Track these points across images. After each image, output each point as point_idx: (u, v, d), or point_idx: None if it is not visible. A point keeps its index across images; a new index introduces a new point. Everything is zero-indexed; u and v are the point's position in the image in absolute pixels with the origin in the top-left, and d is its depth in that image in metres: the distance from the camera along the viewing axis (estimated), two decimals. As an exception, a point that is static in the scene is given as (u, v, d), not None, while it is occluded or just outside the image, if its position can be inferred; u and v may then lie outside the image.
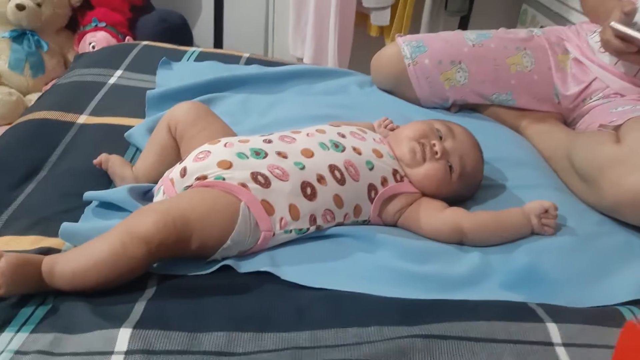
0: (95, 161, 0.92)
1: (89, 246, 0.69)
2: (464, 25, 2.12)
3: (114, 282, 0.69)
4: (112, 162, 0.91)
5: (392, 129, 1.01)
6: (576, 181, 1.00)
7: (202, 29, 2.20)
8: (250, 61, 1.37)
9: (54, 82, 1.86)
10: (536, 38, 1.24)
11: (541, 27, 1.86)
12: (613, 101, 1.13)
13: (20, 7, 1.77)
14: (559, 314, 0.70)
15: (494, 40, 1.23)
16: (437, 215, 0.86)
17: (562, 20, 1.78)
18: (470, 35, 1.25)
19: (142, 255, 0.68)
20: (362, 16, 2.05)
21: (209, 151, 0.80)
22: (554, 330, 0.67)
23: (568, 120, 1.24)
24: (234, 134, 0.92)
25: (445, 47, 1.23)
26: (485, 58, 1.21)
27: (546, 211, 0.86)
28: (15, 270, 0.65)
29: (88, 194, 0.85)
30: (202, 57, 1.35)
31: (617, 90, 1.14)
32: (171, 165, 0.85)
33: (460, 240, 0.85)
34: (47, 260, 0.67)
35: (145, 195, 0.87)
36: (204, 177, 0.77)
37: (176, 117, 0.91)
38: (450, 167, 0.89)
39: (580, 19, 1.51)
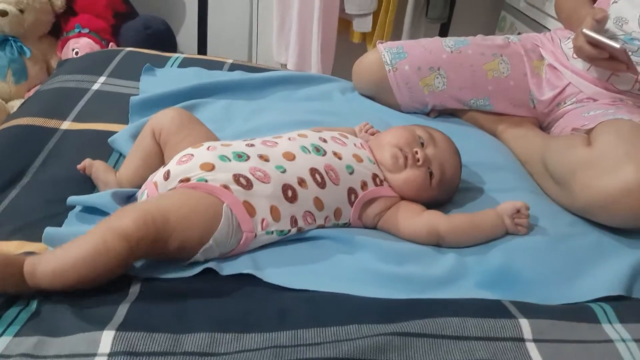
0: (79, 166, 0.92)
1: (71, 244, 0.70)
2: (444, 32, 2.16)
3: (95, 281, 0.69)
4: (95, 167, 0.92)
5: (373, 134, 1.04)
6: (550, 184, 1.03)
7: (186, 35, 2.21)
8: (233, 67, 1.38)
9: (36, 88, 1.86)
10: (512, 45, 1.28)
11: (519, 33, 1.90)
12: (586, 105, 1.16)
13: (3, 14, 1.77)
14: (531, 310, 0.73)
15: (472, 47, 1.26)
16: (414, 219, 0.88)
17: (539, 26, 1.82)
18: (448, 42, 1.28)
19: (123, 251, 0.68)
20: (345, 23, 2.08)
21: (192, 154, 0.82)
22: (525, 326, 0.69)
23: (543, 124, 1.28)
24: (217, 140, 0.94)
25: (424, 53, 1.25)
26: (463, 64, 1.24)
27: (518, 211, 0.88)
28: (1, 267, 0.66)
29: (72, 199, 0.86)
30: (185, 63, 1.36)
31: (590, 95, 1.17)
32: (155, 170, 0.86)
33: (437, 243, 0.87)
34: (29, 261, 0.68)
35: (129, 200, 0.88)
36: (187, 180, 0.79)
37: (160, 124, 0.92)
38: (431, 173, 0.91)
39: (556, 26, 1.55)
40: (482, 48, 1.26)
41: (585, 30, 1.05)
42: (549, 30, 1.70)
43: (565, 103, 1.20)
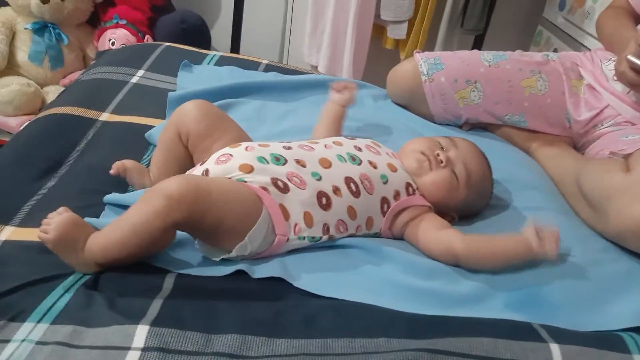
0: (112, 172, 0.90)
1: (123, 214, 0.74)
2: (478, 43, 2.15)
3: (137, 246, 0.72)
4: (129, 171, 0.91)
5: (343, 87, 1.10)
6: (584, 207, 1.01)
7: (220, 31, 2.23)
8: (268, 68, 1.39)
9: (72, 75, 1.90)
10: (551, 62, 1.26)
11: (555, 49, 1.88)
12: (624, 129, 1.15)
13: (44, 1, 1.80)
14: (561, 335, 0.72)
15: (510, 62, 1.25)
16: (432, 233, 0.87)
17: (576, 44, 1.80)
18: (486, 55, 1.27)
19: (163, 208, 0.70)
20: (379, 28, 2.07)
21: (230, 154, 0.83)
22: (555, 351, 0.69)
23: (578, 144, 1.26)
24: (245, 135, 0.94)
25: (461, 66, 1.25)
26: (500, 79, 1.23)
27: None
28: (70, 227, 0.71)
29: (108, 198, 0.86)
30: (222, 61, 1.38)
31: (629, 118, 1.16)
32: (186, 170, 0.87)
33: (453, 262, 0.84)
34: (93, 233, 0.73)
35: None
36: None
37: (187, 127, 0.89)
38: (456, 174, 0.92)
39: (594, 45, 1.53)
40: (520, 64, 1.25)
41: (629, 57, 1.03)
42: (587, 48, 1.69)
43: (602, 125, 1.19)
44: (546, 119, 1.25)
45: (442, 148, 0.94)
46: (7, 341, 0.62)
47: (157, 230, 0.71)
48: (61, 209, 0.74)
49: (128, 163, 0.92)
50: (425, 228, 0.88)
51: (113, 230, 0.73)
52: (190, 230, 0.77)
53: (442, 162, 0.92)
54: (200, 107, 0.91)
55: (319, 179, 0.83)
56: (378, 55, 2.08)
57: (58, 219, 0.71)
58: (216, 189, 0.74)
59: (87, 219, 0.79)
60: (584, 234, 0.98)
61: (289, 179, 0.81)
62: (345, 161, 0.87)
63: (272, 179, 0.80)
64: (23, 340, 0.62)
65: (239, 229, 0.76)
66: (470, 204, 0.95)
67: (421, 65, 1.25)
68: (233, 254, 0.77)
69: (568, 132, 1.25)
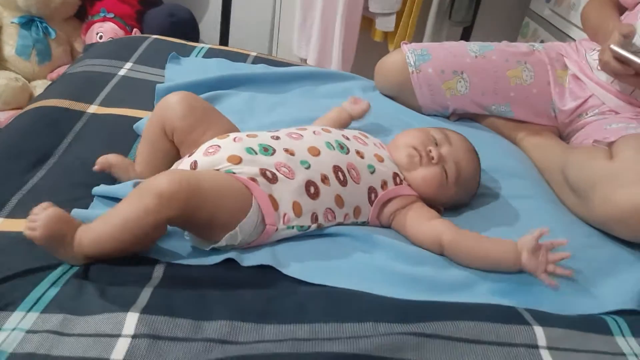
0: (96, 168, 0.90)
1: (110, 210, 0.74)
2: (466, 35, 2.16)
3: (129, 241, 0.71)
4: (114, 166, 0.90)
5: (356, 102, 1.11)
6: (569, 194, 1.03)
7: (209, 24, 2.22)
8: (257, 60, 1.39)
9: (59, 69, 1.89)
10: (537, 53, 1.28)
11: (541, 41, 1.90)
12: (608, 118, 1.16)
13: (31, -6, 1.79)
14: (545, 319, 0.74)
15: (496, 52, 1.27)
16: (422, 223, 0.87)
17: (562, 35, 1.81)
18: (473, 46, 1.28)
19: (154, 207, 0.69)
20: (367, 20, 2.08)
21: (218, 146, 0.83)
22: (539, 334, 0.70)
23: (563, 133, 1.28)
24: (237, 130, 0.94)
25: (448, 57, 1.26)
26: (486, 70, 1.25)
27: (540, 247, 0.80)
28: (57, 223, 0.70)
29: (96, 190, 0.86)
30: (210, 53, 1.37)
31: (613, 107, 1.17)
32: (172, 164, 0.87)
33: (440, 252, 0.85)
34: (81, 227, 0.72)
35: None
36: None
37: (172, 123, 0.88)
38: (446, 171, 0.92)
39: (580, 36, 1.55)
40: (506, 54, 1.26)
41: (612, 46, 1.05)
42: (573, 39, 1.70)
43: (587, 114, 1.20)
44: (532, 109, 1.26)
45: (436, 143, 0.94)
46: (-2, 330, 0.63)
47: (149, 226, 0.71)
48: (45, 204, 0.72)
49: (112, 158, 0.91)
50: (413, 217, 0.88)
51: (104, 224, 0.72)
52: (182, 225, 0.77)
53: (433, 158, 0.91)
54: (185, 101, 0.89)
55: (308, 167, 0.83)
56: (367, 48, 2.08)
57: (44, 216, 0.69)
58: (208, 184, 0.74)
59: (76, 211, 0.79)
60: (570, 220, 1.00)
61: (277, 169, 0.81)
62: (334, 149, 0.87)
63: (261, 169, 0.80)
64: (13, 329, 0.63)
65: (230, 222, 0.76)
66: (456, 199, 0.96)
67: (408, 56, 1.26)
68: (223, 242, 0.77)
69: (553, 121, 1.27)
